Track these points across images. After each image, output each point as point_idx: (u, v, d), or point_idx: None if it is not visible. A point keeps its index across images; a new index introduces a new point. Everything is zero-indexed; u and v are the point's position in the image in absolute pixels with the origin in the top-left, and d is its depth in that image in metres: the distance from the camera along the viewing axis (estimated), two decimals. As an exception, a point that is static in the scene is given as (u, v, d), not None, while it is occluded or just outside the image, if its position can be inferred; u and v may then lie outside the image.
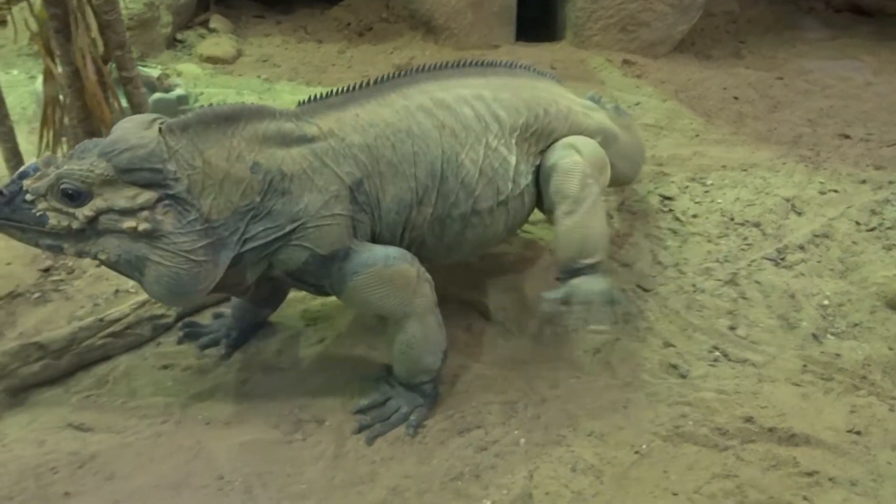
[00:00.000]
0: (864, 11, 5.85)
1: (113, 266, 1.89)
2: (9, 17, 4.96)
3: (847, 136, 3.86)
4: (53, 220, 1.82)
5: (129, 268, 1.87)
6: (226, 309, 2.58)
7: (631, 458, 2.05)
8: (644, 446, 2.09)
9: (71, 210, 1.81)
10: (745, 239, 3.00)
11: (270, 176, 1.95)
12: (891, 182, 3.30)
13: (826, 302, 2.66)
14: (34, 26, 3.09)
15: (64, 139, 3.13)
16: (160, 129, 1.87)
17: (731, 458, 2.05)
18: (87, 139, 1.99)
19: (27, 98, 4.18)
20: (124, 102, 3.06)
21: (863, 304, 2.64)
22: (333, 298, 2.19)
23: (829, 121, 4.08)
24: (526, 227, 2.84)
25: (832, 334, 2.53)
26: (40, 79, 3.58)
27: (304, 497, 1.95)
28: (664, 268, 2.87)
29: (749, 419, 2.16)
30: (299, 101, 2.14)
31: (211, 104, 2.12)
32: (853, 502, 1.92)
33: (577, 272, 2.34)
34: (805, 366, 2.39)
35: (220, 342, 2.47)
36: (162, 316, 2.53)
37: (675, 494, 1.95)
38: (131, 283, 2.42)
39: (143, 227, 1.82)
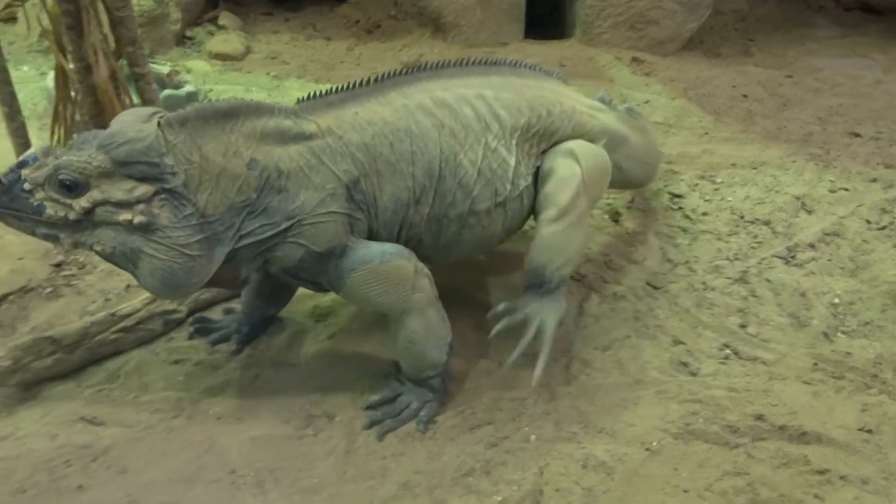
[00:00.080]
0: (875, 9, 5.83)
1: (108, 258, 1.90)
2: (19, 14, 4.99)
3: (857, 135, 3.85)
4: (50, 210, 1.83)
5: (124, 260, 1.88)
6: (236, 305, 2.59)
7: (641, 455, 2.05)
8: (655, 443, 2.09)
9: (68, 201, 1.82)
10: (756, 237, 2.99)
11: (267, 173, 1.95)
12: (901, 180, 3.30)
13: (837, 300, 2.66)
14: (46, 23, 3.11)
15: (75, 135, 3.13)
16: (159, 124, 1.87)
17: (741, 456, 2.05)
18: (94, 133, 2.00)
19: (38, 94, 4.21)
20: (136, 99, 3.08)
21: (873, 303, 2.63)
22: (342, 295, 2.20)
23: (839, 119, 4.07)
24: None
25: (843, 333, 2.53)
26: (51, 75, 3.61)
27: (315, 492, 1.95)
28: (674, 265, 2.87)
29: (760, 417, 2.16)
30: (298, 99, 2.13)
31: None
32: (865, 500, 1.92)
33: (542, 283, 2.32)
34: (816, 364, 2.38)
35: (231, 338, 2.48)
36: (173, 311, 2.54)
37: (685, 492, 1.95)
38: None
39: (138, 220, 1.83)
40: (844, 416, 2.18)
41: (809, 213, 3.11)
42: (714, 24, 5.45)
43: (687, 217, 3.14)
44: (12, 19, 5.09)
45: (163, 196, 1.84)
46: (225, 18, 5.50)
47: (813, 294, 2.68)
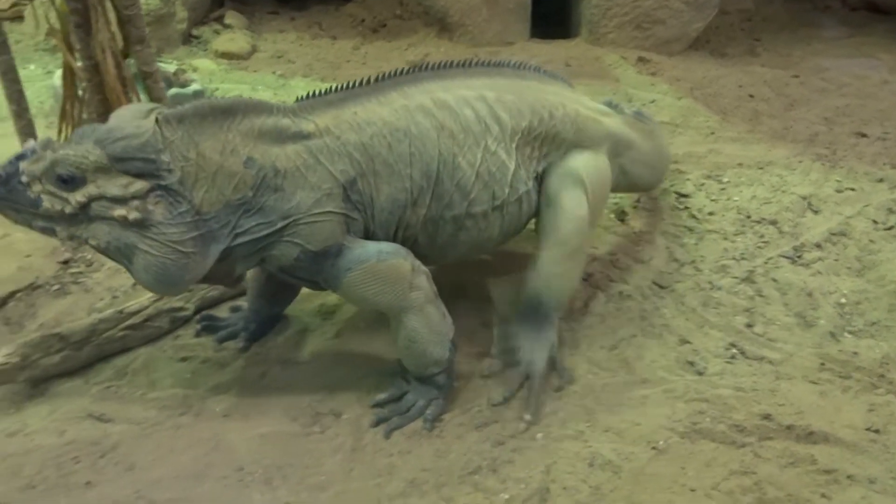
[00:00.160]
0: (881, 9, 5.81)
1: (103, 252, 1.91)
2: (26, 13, 5.01)
3: (864, 135, 3.85)
4: (47, 203, 1.84)
5: (119, 254, 1.90)
6: (243, 302, 2.60)
7: (648, 454, 2.05)
8: (661, 442, 2.09)
9: (64, 195, 1.83)
10: (762, 237, 2.99)
11: (264, 172, 1.96)
12: (908, 181, 3.29)
13: (843, 300, 2.66)
14: (54, 21, 3.12)
15: (82, 133, 3.14)
16: (157, 120, 1.88)
17: (748, 455, 2.04)
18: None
19: (44, 93, 4.22)
20: (144, 97, 3.08)
21: (880, 303, 2.63)
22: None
23: (845, 119, 4.06)
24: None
25: (850, 332, 2.53)
26: (57, 73, 3.62)
27: (323, 489, 1.96)
28: (680, 265, 2.86)
29: (767, 416, 2.16)
30: (297, 97, 2.13)
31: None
32: (872, 500, 1.92)
33: (537, 310, 2.36)
34: (823, 364, 2.38)
35: (238, 335, 2.48)
36: (180, 309, 2.55)
37: (692, 490, 1.95)
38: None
39: (133, 216, 1.84)
40: (851, 416, 2.18)
41: (816, 212, 3.11)
42: (720, 24, 5.44)
43: (693, 216, 3.14)
44: (19, 18, 5.11)
45: (158, 192, 1.85)
46: (231, 17, 5.51)
47: (820, 294, 2.68)
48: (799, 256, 2.86)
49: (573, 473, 1.99)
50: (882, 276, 2.73)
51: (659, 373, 2.36)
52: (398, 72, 2.24)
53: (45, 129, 3.61)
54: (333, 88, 2.16)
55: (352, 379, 2.33)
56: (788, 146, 3.71)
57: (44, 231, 1.89)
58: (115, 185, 1.83)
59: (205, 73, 4.72)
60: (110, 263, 2.77)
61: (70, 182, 1.82)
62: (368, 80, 2.19)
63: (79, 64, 3.00)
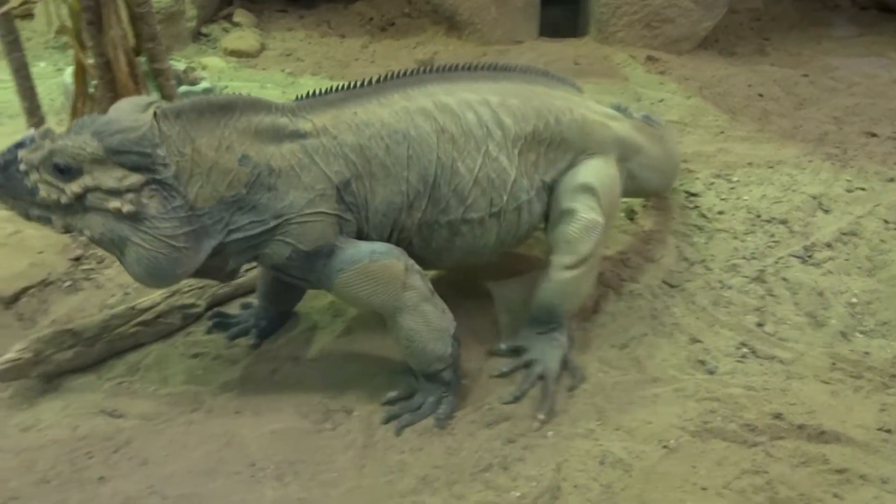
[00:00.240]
0: (891, 9, 5.79)
1: (97, 243, 1.93)
2: (36, 11, 5.03)
3: (874, 134, 3.83)
4: (44, 192, 1.85)
5: (112, 246, 1.92)
6: (254, 299, 2.61)
7: (659, 453, 2.05)
8: (672, 441, 2.09)
9: (61, 185, 1.85)
10: (772, 236, 2.98)
11: (259, 170, 1.96)
12: (919, 181, 3.28)
13: (854, 300, 2.65)
14: (66, 18, 3.13)
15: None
16: (155, 114, 1.88)
17: (760, 455, 2.04)
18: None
19: (55, 90, 4.24)
20: (154, 95, 3.09)
21: (891, 303, 2.62)
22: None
23: (855, 118, 4.05)
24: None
25: (861, 332, 2.52)
26: (68, 71, 3.63)
27: (334, 485, 1.96)
28: (690, 264, 2.86)
29: (778, 416, 2.16)
30: (297, 96, 2.13)
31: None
32: (884, 500, 1.91)
33: (549, 321, 2.36)
34: (834, 363, 2.38)
35: (249, 332, 2.49)
36: (192, 305, 2.56)
37: (703, 489, 1.95)
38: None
39: (127, 208, 1.85)
40: (863, 416, 2.17)
41: (826, 212, 3.10)
42: (729, 23, 5.43)
43: (703, 216, 3.14)
44: (29, 16, 5.13)
45: (153, 186, 1.86)
46: (240, 15, 5.53)
47: (830, 293, 2.67)
48: (809, 256, 2.86)
49: (584, 472, 2.00)
50: (893, 275, 2.72)
51: (670, 372, 2.36)
52: (403, 73, 2.23)
53: (57, 126, 3.62)
54: (335, 88, 2.15)
55: (362, 376, 2.33)
56: (798, 145, 3.70)
57: (39, 220, 1.91)
58: (110, 178, 1.85)
59: (214, 70, 4.74)
60: (122, 260, 2.78)
61: (66, 172, 1.84)
62: (371, 81, 2.18)
63: (90, 61, 3.01)
